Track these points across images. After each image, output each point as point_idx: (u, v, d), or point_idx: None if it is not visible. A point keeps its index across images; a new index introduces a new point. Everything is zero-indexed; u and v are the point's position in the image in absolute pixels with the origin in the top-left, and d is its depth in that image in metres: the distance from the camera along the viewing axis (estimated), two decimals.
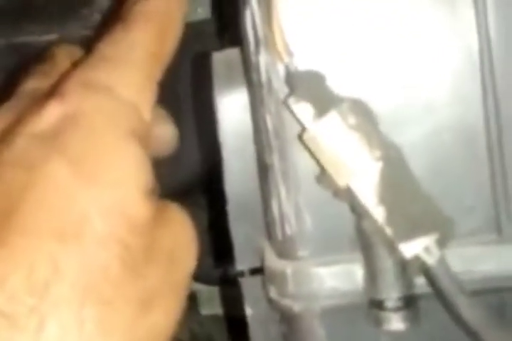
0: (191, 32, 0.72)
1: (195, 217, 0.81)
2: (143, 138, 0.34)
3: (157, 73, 0.36)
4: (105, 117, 0.33)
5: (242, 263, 0.47)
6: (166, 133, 0.39)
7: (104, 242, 0.32)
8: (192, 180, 0.74)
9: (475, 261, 0.40)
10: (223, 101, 0.45)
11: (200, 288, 0.81)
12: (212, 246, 0.74)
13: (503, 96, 0.40)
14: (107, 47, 0.35)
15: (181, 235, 0.35)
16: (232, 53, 0.47)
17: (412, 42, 0.40)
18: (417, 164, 0.40)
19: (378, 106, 0.40)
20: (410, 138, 0.40)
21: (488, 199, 0.40)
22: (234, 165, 0.46)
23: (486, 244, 0.40)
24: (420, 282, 0.40)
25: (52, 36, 0.68)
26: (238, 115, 0.45)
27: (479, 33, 0.39)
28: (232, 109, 0.46)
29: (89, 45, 0.36)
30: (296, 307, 0.42)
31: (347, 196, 0.38)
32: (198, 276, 0.80)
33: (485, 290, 0.41)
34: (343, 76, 0.40)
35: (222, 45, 0.52)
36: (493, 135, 0.40)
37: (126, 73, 0.34)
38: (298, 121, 0.39)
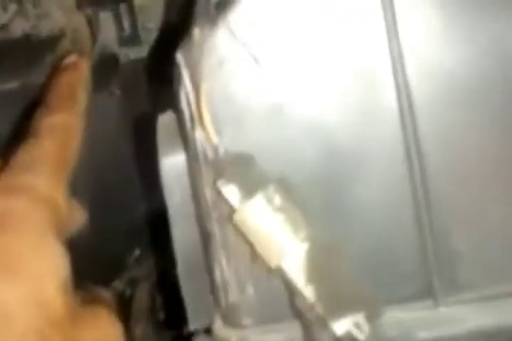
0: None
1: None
2: (60, 230, 0.37)
3: (65, 174, 0.41)
4: (26, 216, 0.37)
5: (194, 323, 0.48)
6: (76, 218, 0.44)
7: (24, 333, 0.34)
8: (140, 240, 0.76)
9: (411, 327, 0.41)
10: (166, 164, 0.46)
11: None
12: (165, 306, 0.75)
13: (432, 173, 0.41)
14: (21, 157, 0.40)
15: (105, 337, 0.37)
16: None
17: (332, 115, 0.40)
18: (354, 231, 0.41)
19: (310, 179, 0.41)
20: (346, 206, 0.41)
21: (423, 267, 0.41)
22: (182, 228, 0.47)
23: (422, 310, 0.41)
24: None
25: (14, 84, 0.69)
26: (182, 178, 0.46)
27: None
28: (175, 172, 0.46)
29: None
30: None
31: (279, 275, 0.39)
32: None
33: None
34: (274, 153, 0.41)
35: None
36: (421, 203, 0.41)
37: (41, 175, 0.39)
38: (227, 203, 0.40)
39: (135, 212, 0.80)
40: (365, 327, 0.39)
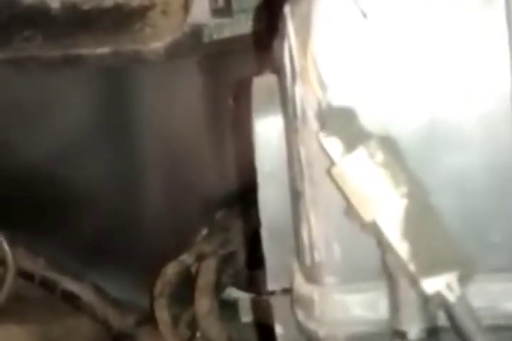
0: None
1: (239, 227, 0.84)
2: None
3: None
4: None
5: (273, 283, 0.48)
6: None
7: None
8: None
9: (498, 297, 0.41)
10: (260, 125, 0.47)
11: (241, 295, 0.83)
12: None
13: None
14: None
15: None
16: (272, 79, 0.48)
17: (442, 79, 0.40)
18: (444, 200, 0.40)
19: (408, 141, 0.40)
20: (439, 173, 0.41)
21: None
22: (268, 189, 0.47)
23: (510, 281, 0.41)
24: (443, 315, 0.40)
25: (105, 49, 0.71)
26: (275, 140, 0.46)
27: None
28: (268, 134, 0.47)
29: None
30: (322, 331, 0.43)
31: (373, 230, 0.39)
32: (240, 284, 0.82)
33: (507, 327, 0.41)
34: (375, 110, 0.40)
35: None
36: None
37: None
38: (327, 155, 0.40)
39: (208, 192, 0.81)
40: (456, 289, 0.38)
